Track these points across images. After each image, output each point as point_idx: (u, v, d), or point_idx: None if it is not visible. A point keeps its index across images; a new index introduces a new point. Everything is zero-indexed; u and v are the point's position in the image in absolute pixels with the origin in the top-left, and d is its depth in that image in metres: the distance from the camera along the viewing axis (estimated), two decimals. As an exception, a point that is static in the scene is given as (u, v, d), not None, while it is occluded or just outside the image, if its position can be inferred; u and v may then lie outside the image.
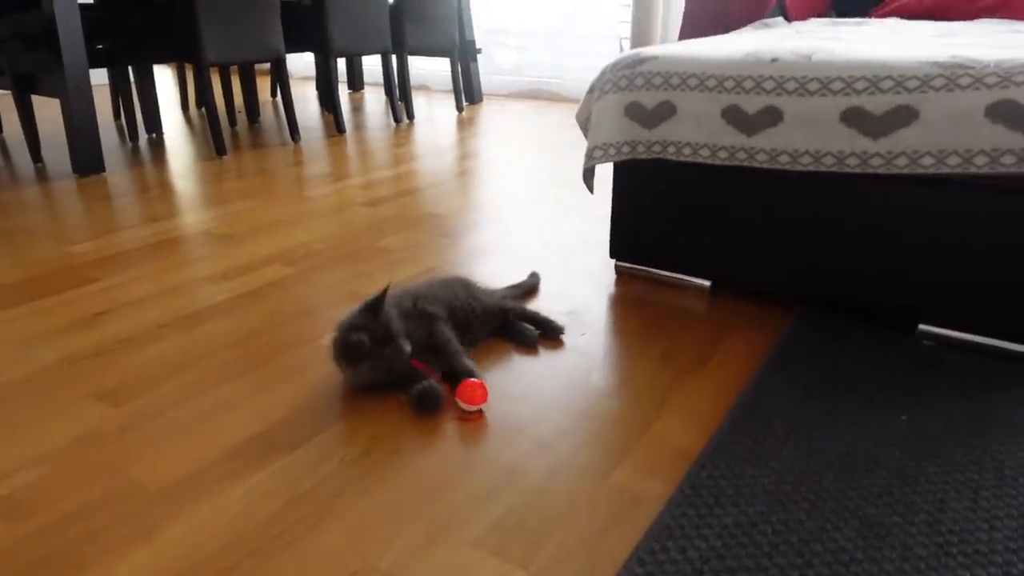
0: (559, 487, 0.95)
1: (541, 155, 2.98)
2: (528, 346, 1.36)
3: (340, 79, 5.20)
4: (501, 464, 1.00)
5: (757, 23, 2.42)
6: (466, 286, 1.37)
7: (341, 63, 5.03)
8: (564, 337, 1.38)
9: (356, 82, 4.76)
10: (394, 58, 3.65)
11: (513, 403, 1.15)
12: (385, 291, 1.17)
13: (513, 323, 1.38)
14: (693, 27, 2.72)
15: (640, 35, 3.61)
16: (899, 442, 1.04)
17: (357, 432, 1.07)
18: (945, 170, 1.24)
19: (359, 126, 3.60)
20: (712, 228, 1.53)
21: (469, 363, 1.20)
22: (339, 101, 3.38)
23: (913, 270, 1.35)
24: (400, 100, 3.73)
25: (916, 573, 0.79)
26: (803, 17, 2.71)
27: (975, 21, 2.29)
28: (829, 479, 0.95)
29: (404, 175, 2.65)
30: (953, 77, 1.21)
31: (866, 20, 2.42)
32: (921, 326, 1.38)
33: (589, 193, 1.71)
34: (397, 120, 3.69)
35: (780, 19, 2.47)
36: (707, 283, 1.60)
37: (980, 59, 1.23)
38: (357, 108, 4.15)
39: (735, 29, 2.47)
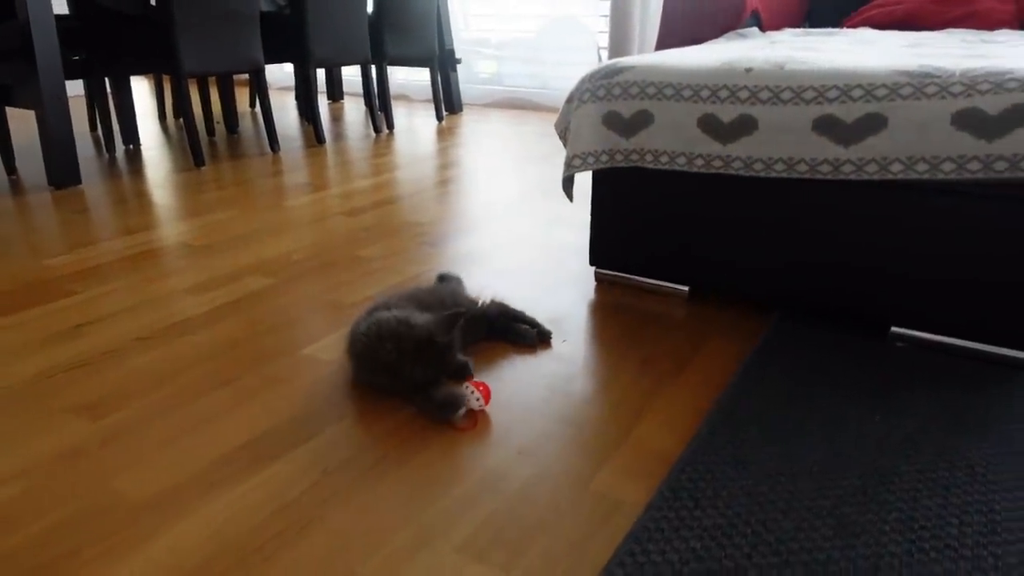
0: (541, 493, 0.96)
1: (521, 164, 3.00)
2: (528, 346, 1.39)
3: (320, 89, 5.20)
4: (484, 470, 1.01)
5: (732, 33, 2.47)
6: (453, 293, 1.38)
7: (321, 73, 5.03)
8: (544, 347, 1.39)
9: (336, 92, 4.76)
10: (374, 68, 3.66)
11: (496, 410, 1.16)
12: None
13: (510, 324, 1.40)
14: (669, 37, 2.76)
15: (618, 45, 3.65)
16: (874, 443, 1.06)
17: (340, 441, 1.08)
18: (914, 176, 1.27)
19: (339, 136, 3.60)
20: (690, 235, 1.56)
21: (463, 358, 1.23)
22: (318, 111, 3.38)
23: (884, 273, 1.38)
24: (380, 110, 3.74)
25: (889, 570, 0.81)
26: (777, 27, 2.76)
27: (944, 31, 2.35)
28: (806, 480, 0.97)
29: (384, 184, 2.65)
30: (920, 86, 1.25)
31: (838, 30, 2.47)
32: (893, 328, 1.41)
33: (569, 201, 1.74)
34: (377, 130, 3.70)
35: (755, 29, 2.51)
36: (686, 289, 1.63)
37: (946, 68, 1.27)
38: (337, 118, 4.15)
39: (710, 39, 2.50)
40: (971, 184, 1.26)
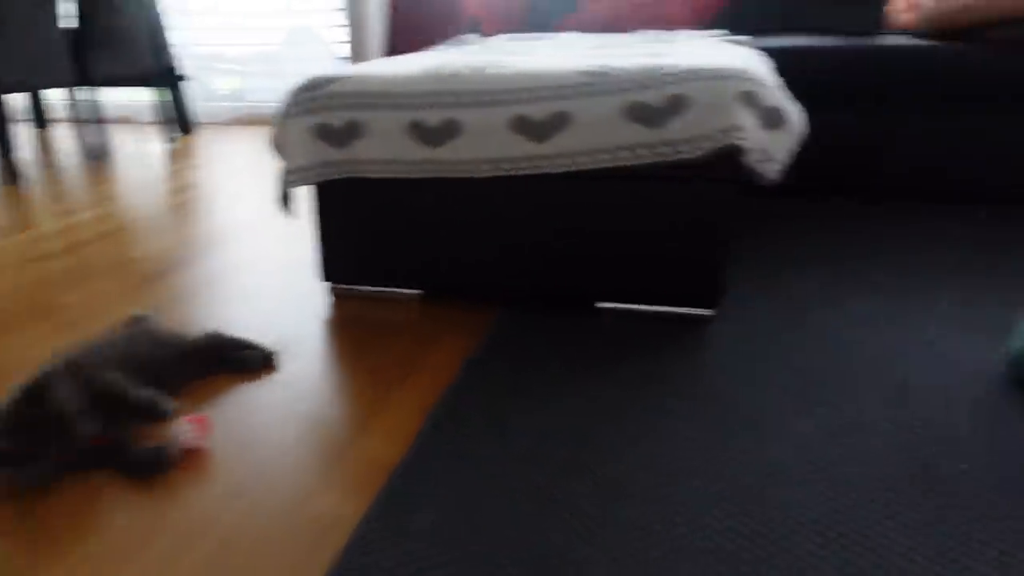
0: (255, 528, 0.91)
1: (261, 182, 2.86)
2: (253, 371, 1.32)
3: (24, 116, 4.57)
4: (190, 520, 0.93)
5: (453, 40, 2.55)
6: (148, 335, 1.26)
7: (21, 97, 4.42)
8: (269, 370, 1.33)
9: (42, 118, 4.21)
10: (80, 89, 3.28)
11: (215, 445, 1.09)
12: (43, 377, 1.02)
13: (230, 353, 1.32)
14: (395, 46, 2.79)
15: (358, 56, 3.63)
16: (582, 414, 1.14)
17: (8, 523, 0.94)
18: (601, 165, 1.39)
19: (48, 167, 3.18)
20: (416, 239, 1.57)
21: (147, 393, 1.11)
22: (14, 142, 2.96)
23: (586, 254, 1.49)
24: (94, 136, 3.36)
25: (586, 531, 0.87)
26: (497, 32, 2.90)
27: (636, 32, 2.62)
28: (520, 463, 1.02)
29: (99, 218, 2.39)
30: (597, 84, 1.37)
31: (547, 35, 2.65)
32: (599, 304, 1.54)
33: (289, 217, 1.68)
34: (93, 157, 3.32)
35: (474, 35, 2.62)
36: (417, 293, 1.65)
37: (620, 67, 1.40)
38: (46, 148, 3.66)
39: (432, 46, 2.57)
40: (645, 168, 1.39)
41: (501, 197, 1.50)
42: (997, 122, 2.13)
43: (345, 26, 3.88)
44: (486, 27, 2.85)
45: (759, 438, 1.07)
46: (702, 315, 1.48)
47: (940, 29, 2.18)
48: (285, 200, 1.60)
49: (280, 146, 1.59)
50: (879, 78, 2.16)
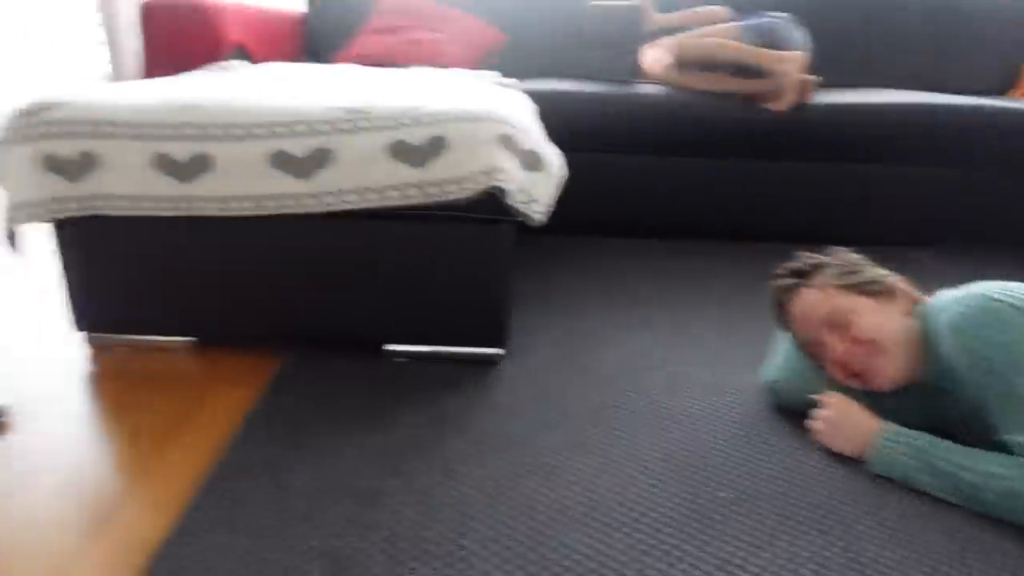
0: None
1: None
2: None
3: None
4: None
5: (215, 65, 2.39)
6: None
7: None
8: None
9: None
10: None
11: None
12: None
13: None
14: (152, 68, 2.57)
15: (119, 77, 3.31)
16: (364, 465, 1.09)
17: None
18: (370, 205, 1.36)
19: None
20: (183, 282, 1.44)
21: None
22: None
23: (370, 296, 1.44)
24: None
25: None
26: (270, 59, 2.78)
27: (411, 68, 2.63)
28: (297, 523, 0.95)
29: None
30: (358, 121, 1.34)
31: (316, 65, 2.58)
32: (386, 346, 1.49)
33: (19, 258, 1.47)
34: None
35: (238, 62, 2.47)
36: (189, 341, 1.50)
37: (381, 105, 1.38)
38: None
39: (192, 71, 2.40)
40: (418, 208, 1.37)
41: (277, 237, 1.41)
42: (751, 167, 2.35)
43: (103, 43, 3.51)
44: (256, 54, 2.72)
45: (544, 479, 1.07)
46: (492, 354, 1.46)
47: (681, 86, 2.43)
48: (12, 239, 1.39)
49: (1, 178, 1.38)
50: (632, 123, 2.35)
